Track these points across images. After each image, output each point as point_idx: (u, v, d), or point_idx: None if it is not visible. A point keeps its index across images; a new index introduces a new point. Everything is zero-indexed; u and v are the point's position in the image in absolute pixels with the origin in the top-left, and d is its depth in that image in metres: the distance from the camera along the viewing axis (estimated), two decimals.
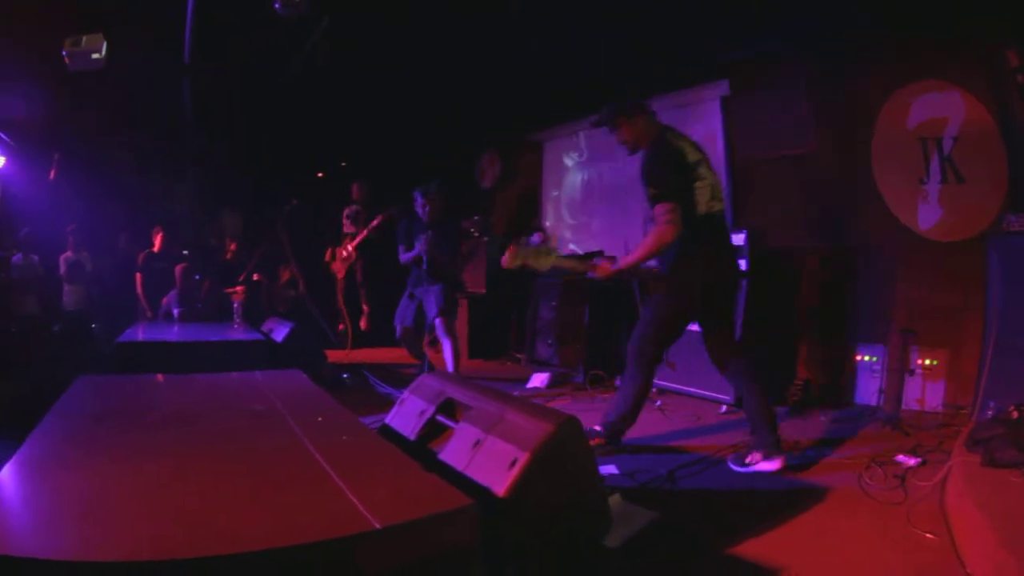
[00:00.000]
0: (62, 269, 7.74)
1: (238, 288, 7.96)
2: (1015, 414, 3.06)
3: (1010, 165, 4.52)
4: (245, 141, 8.97)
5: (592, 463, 2.39)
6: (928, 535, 2.53)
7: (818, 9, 5.22)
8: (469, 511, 1.75)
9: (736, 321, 3.80)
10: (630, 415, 3.74)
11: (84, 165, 8.24)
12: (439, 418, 2.77)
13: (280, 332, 6.07)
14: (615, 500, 2.60)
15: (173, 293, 7.35)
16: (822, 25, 5.33)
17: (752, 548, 2.48)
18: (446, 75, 7.60)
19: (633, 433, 3.87)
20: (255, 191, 9.21)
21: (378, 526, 1.57)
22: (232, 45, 6.84)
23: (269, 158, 9.03)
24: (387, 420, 3.07)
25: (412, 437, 2.78)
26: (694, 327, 3.72)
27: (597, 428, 3.74)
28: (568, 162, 8.50)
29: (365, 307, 8.43)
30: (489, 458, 2.19)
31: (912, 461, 3.39)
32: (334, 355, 7.01)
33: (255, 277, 8.51)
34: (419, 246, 5.62)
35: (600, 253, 6.88)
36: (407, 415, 2.95)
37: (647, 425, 4.43)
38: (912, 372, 4.63)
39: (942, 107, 4.85)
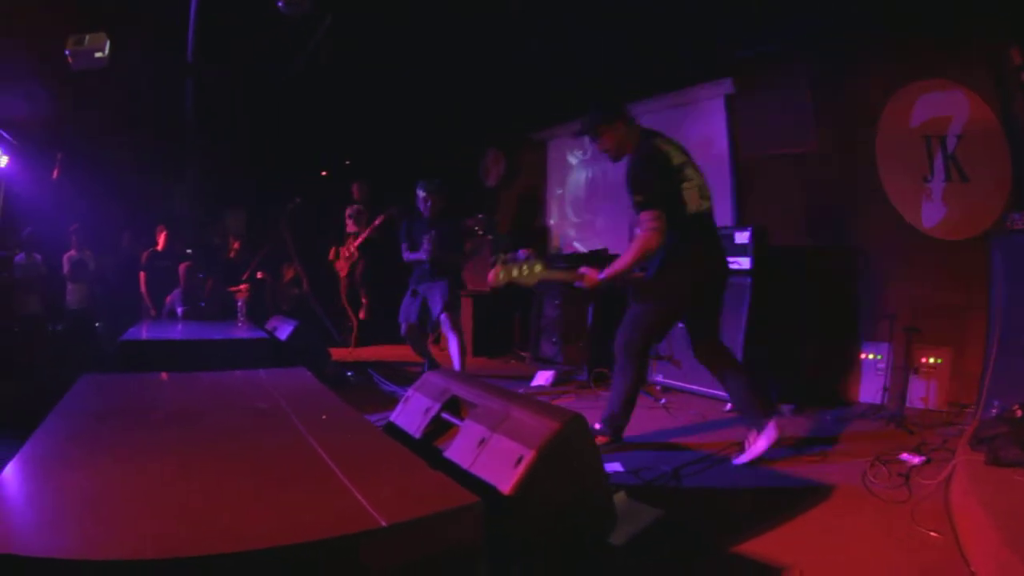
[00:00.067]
0: (65, 268, 7.75)
1: (242, 286, 7.96)
2: (1019, 413, 3.04)
3: (1014, 164, 4.50)
4: (248, 140, 8.97)
5: (598, 460, 2.39)
6: (932, 533, 2.52)
7: (821, 8, 5.22)
8: (475, 509, 1.74)
9: (721, 318, 3.82)
10: (626, 409, 3.76)
11: (87, 164, 8.24)
12: (444, 416, 2.77)
13: (284, 330, 6.07)
14: (620, 498, 2.59)
15: (177, 292, 7.35)
16: (825, 24, 5.32)
17: (756, 546, 2.47)
18: (447, 75, 7.60)
19: (638, 430, 3.87)
20: (258, 190, 9.21)
21: (384, 524, 1.57)
22: (235, 44, 6.85)
23: (272, 157, 9.03)
24: (392, 418, 3.07)
25: (417, 435, 2.78)
26: None
27: (598, 426, 3.74)
28: (572, 160, 8.49)
29: (364, 299, 8.46)
30: (495, 456, 2.19)
31: (916, 459, 3.37)
32: (338, 353, 7.02)
33: (259, 275, 8.52)
34: (424, 246, 5.64)
35: (604, 251, 6.89)
36: (412, 413, 2.95)
37: (652, 422, 4.43)
38: (916, 370, 4.62)
39: (946, 105, 4.83)
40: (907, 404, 4.51)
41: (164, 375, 3.68)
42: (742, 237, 5.05)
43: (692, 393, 5.21)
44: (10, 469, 1.83)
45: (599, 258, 6.33)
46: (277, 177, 8.92)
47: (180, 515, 1.63)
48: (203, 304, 7.40)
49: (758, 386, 3.66)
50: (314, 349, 6.01)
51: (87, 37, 5.46)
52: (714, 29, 5.90)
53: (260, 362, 4.43)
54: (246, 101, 8.47)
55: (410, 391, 3.12)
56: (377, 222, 8.16)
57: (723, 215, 6.12)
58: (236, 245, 8.95)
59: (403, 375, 6.16)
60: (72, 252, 7.79)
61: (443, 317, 5.67)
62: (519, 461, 2.07)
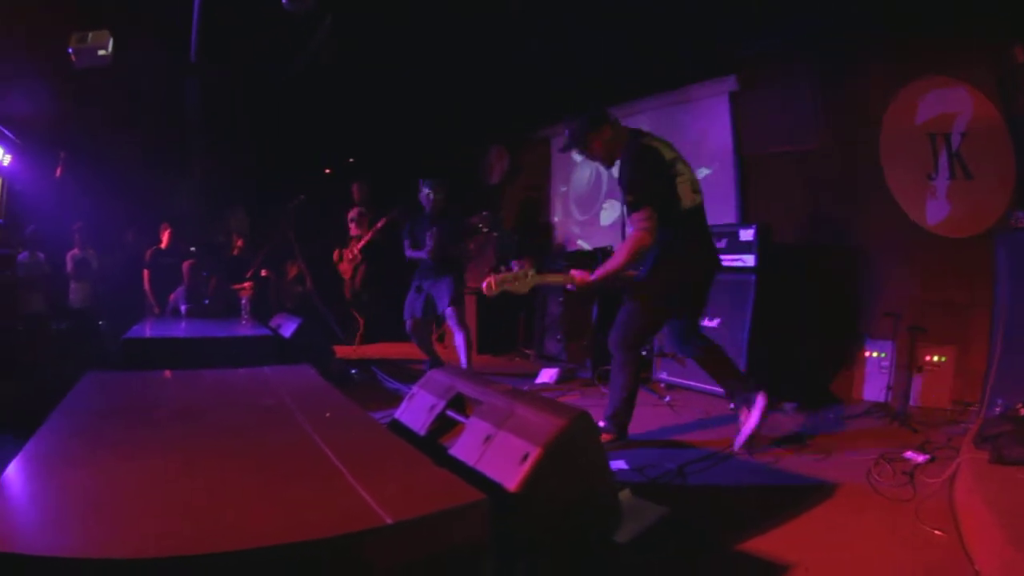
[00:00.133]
0: (69, 267, 7.76)
1: (245, 284, 7.97)
2: (1023, 411, 3.04)
3: (1018, 161, 4.48)
4: (250, 138, 8.97)
5: (603, 458, 2.38)
6: (936, 532, 2.51)
7: (824, 7, 5.21)
8: (480, 506, 1.74)
9: (704, 313, 3.87)
10: (628, 405, 3.77)
11: (90, 162, 8.24)
12: (449, 413, 2.77)
13: (288, 328, 6.08)
14: (625, 495, 2.59)
15: (180, 289, 7.36)
16: (826, 24, 5.32)
17: (761, 544, 2.47)
18: (448, 74, 7.60)
19: (642, 428, 3.86)
20: (261, 188, 9.21)
21: (389, 521, 1.56)
22: (237, 43, 6.85)
23: (275, 155, 9.03)
24: (397, 415, 3.07)
25: (422, 432, 2.78)
26: (709, 323, 3.74)
27: (602, 424, 3.74)
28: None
29: (367, 301, 8.47)
30: (500, 453, 2.18)
31: (920, 458, 3.37)
32: (342, 351, 7.02)
33: (262, 273, 8.51)
34: (428, 243, 5.65)
35: (609, 249, 6.87)
36: (417, 410, 2.95)
37: (656, 420, 4.42)
38: (920, 368, 4.61)
39: (950, 103, 4.82)
40: (911, 402, 4.50)
41: (168, 373, 3.68)
42: (747, 234, 5.04)
43: (696, 390, 5.20)
44: (14, 467, 1.83)
45: (603, 256, 6.32)
46: (280, 175, 8.91)
47: (184, 513, 1.63)
48: (207, 302, 7.40)
49: (732, 360, 3.78)
50: (318, 346, 6.01)
51: (90, 35, 5.46)
52: (715, 28, 5.90)
53: (264, 359, 4.44)
54: (248, 100, 8.47)
55: (415, 388, 3.11)
56: (379, 224, 8.16)
57: (727, 212, 6.12)
58: (240, 243, 8.94)
59: (407, 372, 6.17)
60: (75, 250, 7.81)
61: (449, 311, 5.69)
62: (525, 458, 2.06)
